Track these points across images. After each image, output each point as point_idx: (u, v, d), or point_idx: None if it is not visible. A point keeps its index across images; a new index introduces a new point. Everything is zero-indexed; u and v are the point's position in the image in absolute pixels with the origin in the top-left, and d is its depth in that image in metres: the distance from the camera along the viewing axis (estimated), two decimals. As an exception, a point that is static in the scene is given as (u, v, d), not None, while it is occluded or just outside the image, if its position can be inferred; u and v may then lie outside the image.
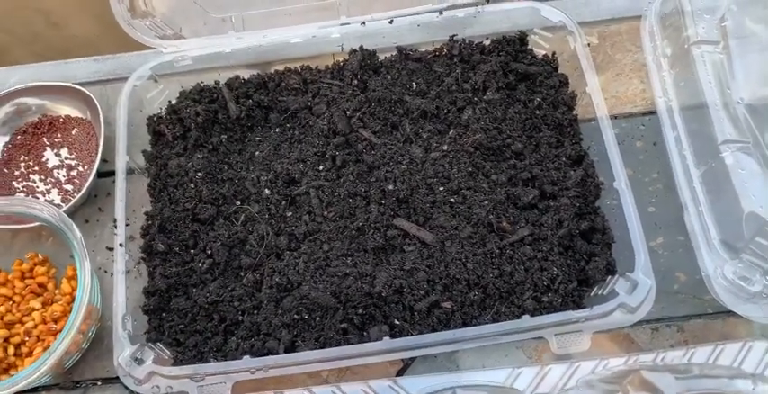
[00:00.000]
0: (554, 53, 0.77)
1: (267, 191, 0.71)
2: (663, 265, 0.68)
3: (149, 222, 0.71)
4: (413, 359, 0.66)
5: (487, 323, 0.62)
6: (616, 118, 0.77)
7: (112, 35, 0.86)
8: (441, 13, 0.76)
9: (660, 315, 0.65)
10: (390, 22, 0.76)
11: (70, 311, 0.68)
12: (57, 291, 0.71)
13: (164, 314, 0.66)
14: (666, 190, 0.72)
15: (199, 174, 0.72)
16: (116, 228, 0.67)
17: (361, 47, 0.77)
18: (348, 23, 0.77)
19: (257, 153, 0.74)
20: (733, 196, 0.60)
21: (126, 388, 0.66)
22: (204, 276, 0.67)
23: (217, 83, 0.79)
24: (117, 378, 0.67)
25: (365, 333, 0.63)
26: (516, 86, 0.76)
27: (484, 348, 0.64)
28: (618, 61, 0.81)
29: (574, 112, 0.74)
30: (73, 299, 0.69)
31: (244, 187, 0.72)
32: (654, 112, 0.77)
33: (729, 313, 0.64)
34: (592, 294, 0.64)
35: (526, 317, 0.60)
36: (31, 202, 0.68)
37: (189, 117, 0.74)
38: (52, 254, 0.74)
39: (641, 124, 0.77)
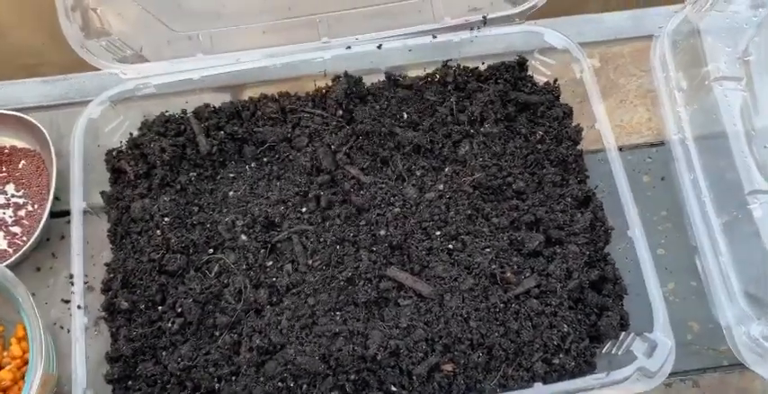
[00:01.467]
0: (555, 80, 0.71)
1: (244, 237, 0.64)
2: (675, 313, 0.63)
3: (111, 275, 0.63)
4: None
5: (493, 388, 0.56)
6: (621, 150, 0.71)
7: (62, 47, 0.77)
8: (434, 36, 0.69)
9: (674, 369, 0.61)
10: (379, 48, 0.68)
11: (21, 377, 0.60)
12: (5, 354, 0.63)
13: (129, 382, 0.59)
14: (676, 230, 0.68)
15: (166, 218, 0.64)
16: (73, 284, 0.59)
17: (345, 73, 0.70)
18: (329, 43, 0.69)
19: (231, 193, 0.67)
20: (759, 248, 0.56)
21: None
22: (174, 338, 0.60)
23: (184, 112, 0.70)
24: (76, 453, 0.60)
25: (358, 401, 0.57)
26: (516, 117, 0.70)
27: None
28: (621, 86, 0.76)
29: (579, 147, 0.68)
30: (24, 363, 0.61)
31: (217, 232, 0.64)
32: (662, 144, 0.72)
33: (745, 366, 0.60)
34: (603, 351, 0.59)
35: (538, 385, 0.55)
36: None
37: (153, 153, 0.66)
38: (-2, 309, 0.65)
39: (648, 156, 0.72)
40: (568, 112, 0.69)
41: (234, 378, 0.58)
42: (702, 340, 0.63)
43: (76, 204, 0.61)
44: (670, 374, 0.61)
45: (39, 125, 0.69)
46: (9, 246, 0.68)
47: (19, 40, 0.99)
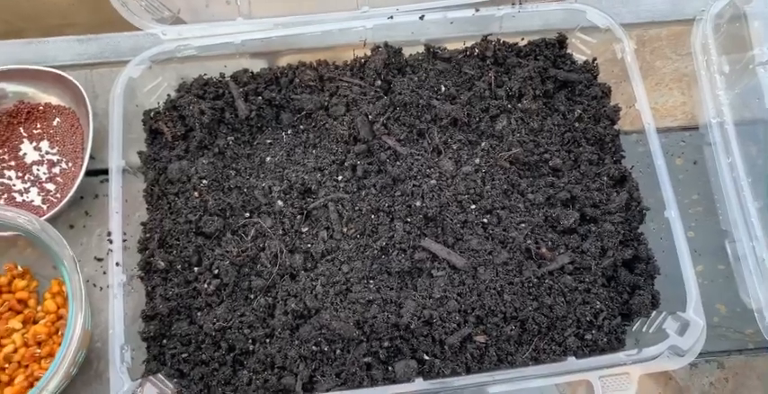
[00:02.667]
0: (594, 59, 0.71)
1: (280, 202, 0.64)
2: (702, 296, 0.63)
3: (147, 235, 0.63)
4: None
5: (525, 360, 0.57)
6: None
7: (93, 7, 0.76)
8: (477, 9, 0.69)
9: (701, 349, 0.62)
10: (421, 19, 0.68)
11: (56, 332, 0.61)
12: (39, 308, 0.63)
13: (165, 341, 0.60)
14: (707, 213, 0.68)
15: (203, 181, 0.64)
16: (111, 243, 0.59)
17: (385, 43, 0.69)
18: (371, 15, 0.69)
19: (268, 158, 0.67)
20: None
21: (119, 420, 0.60)
22: (210, 298, 0.60)
23: (222, 75, 0.70)
24: (109, 407, 0.61)
25: (390, 368, 0.58)
26: (554, 95, 0.70)
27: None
28: (658, 69, 0.76)
29: (616, 127, 0.68)
30: (59, 318, 0.62)
31: (254, 197, 0.65)
32: (695, 128, 0.72)
33: (770, 349, 0.62)
34: (634, 329, 0.60)
35: (571, 358, 0.56)
36: (8, 212, 0.59)
37: (192, 115, 0.66)
38: (32, 264, 0.66)
39: (681, 140, 0.72)
40: (607, 92, 0.69)
41: (268, 340, 0.58)
42: (729, 322, 0.64)
43: (115, 162, 0.61)
44: (698, 355, 0.63)
45: (76, 83, 0.69)
46: (43, 203, 0.68)
47: (46, 1, 0.97)
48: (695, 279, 0.57)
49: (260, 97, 0.68)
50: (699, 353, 0.62)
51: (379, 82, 0.68)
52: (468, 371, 0.57)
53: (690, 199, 0.70)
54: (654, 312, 0.60)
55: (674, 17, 0.78)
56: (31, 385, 0.55)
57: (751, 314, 0.60)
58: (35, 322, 0.62)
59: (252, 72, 0.70)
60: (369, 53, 0.70)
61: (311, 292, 0.60)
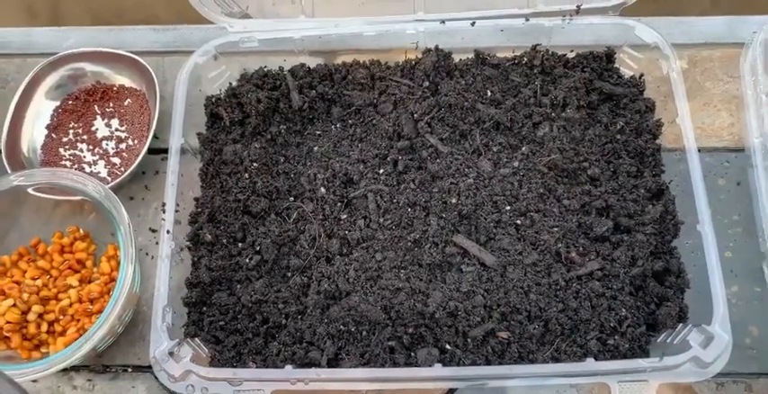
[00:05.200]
0: (641, 75, 0.72)
1: (323, 189, 0.67)
2: (735, 316, 0.63)
3: (199, 210, 0.67)
4: (457, 385, 0.63)
5: (546, 359, 0.58)
6: (699, 151, 0.72)
7: (170, 3, 0.82)
8: (527, 19, 0.71)
9: (728, 370, 0.61)
10: (473, 25, 0.71)
11: (107, 292, 0.66)
12: (95, 270, 0.68)
13: (204, 308, 0.64)
14: (746, 235, 0.68)
15: (255, 164, 0.68)
16: (164, 212, 0.64)
17: (436, 46, 0.72)
18: (424, 19, 0.72)
19: (316, 148, 0.71)
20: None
21: (156, 379, 0.64)
22: (250, 273, 0.64)
23: (281, 69, 0.75)
24: (148, 367, 0.66)
25: (413, 354, 0.60)
26: (598, 106, 0.71)
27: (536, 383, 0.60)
28: (707, 90, 0.76)
29: (657, 142, 0.69)
30: (111, 280, 0.67)
31: (299, 183, 0.68)
32: (741, 150, 0.72)
33: (800, 375, 0.60)
34: (659, 340, 0.60)
35: (590, 360, 0.56)
36: (78, 176, 0.65)
37: (250, 103, 0.70)
38: (93, 229, 0.71)
39: (726, 161, 0.72)
40: (651, 107, 0.70)
41: (300, 316, 0.62)
42: (760, 345, 0.63)
43: (176, 139, 0.66)
44: (723, 375, 0.62)
45: (149, 67, 0.74)
46: (108, 175, 0.74)
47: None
48: (724, 293, 0.57)
49: (314, 91, 0.72)
50: (727, 374, 0.62)
51: (427, 83, 0.71)
52: (488, 364, 0.58)
53: (730, 219, 0.69)
54: (680, 325, 0.60)
55: (729, 40, 0.78)
56: (81, 337, 0.60)
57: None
58: (90, 281, 0.67)
59: (308, 67, 0.74)
60: (420, 56, 0.73)
61: (344, 276, 0.62)
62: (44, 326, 0.64)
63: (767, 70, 0.65)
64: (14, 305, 0.64)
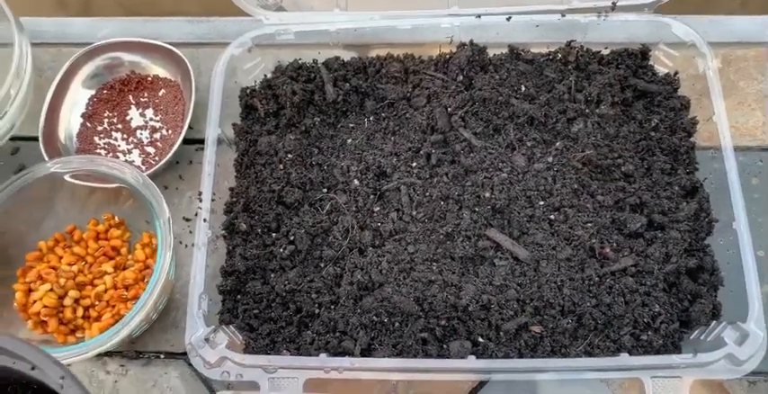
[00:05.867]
0: (676, 72, 0.72)
1: (356, 181, 0.68)
2: (767, 316, 0.64)
3: (234, 199, 0.68)
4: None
5: (578, 354, 0.58)
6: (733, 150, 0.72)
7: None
8: (563, 15, 0.71)
9: (761, 368, 0.61)
10: (508, 19, 0.71)
11: (142, 279, 0.67)
12: (129, 257, 0.69)
13: (239, 296, 0.64)
14: (780, 234, 0.68)
15: (289, 155, 0.69)
16: (201, 201, 0.64)
17: (471, 41, 0.73)
18: (459, 14, 0.73)
19: (349, 140, 0.71)
20: None
21: (189, 365, 0.65)
22: (284, 262, 0.65)
23: (315, 61, 0.75)
24: (180, 353, 0.67)
25: (445, 346, 0.60)
26: (633, 103, 0.71)
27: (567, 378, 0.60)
28: (741, 89, 0.76)
29: (692, 139, 0.69)
30: (146, 267, 0.68)
31: (332, 175, 0.69)
32: (776, 149, 0.72)
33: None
34: (691, 337, 0.60)
35: (624, 355, 0.57)
36: (116, 163, 0.66)
37: (285, 94, 0.71)
38: (128, 216, 0.72)
39: (759, 160, 0.72)
40: (686, 105, 0.70)
41: (333, 306, 0.62)
42: (792, 344, 0.63)
43: (212, 130, 0.67)
44: (756, 373, 0.62)
45: (185, 58, 0.75)
46: (143, 164, 0.75)
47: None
48: (759, 291, 0.57)
49: (348, 84, 0.73)
50: (759, 373, 0.62)
51: (461, 77, 0.72)
52: (521, 358, 0.59)
53: (763, 218, 0.69)
54: (713, 322, 0.60)
55: (763, 39, 0.78)
56: (116, 322, 0.61)
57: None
58: (125, 268, 0.68)
59: (342, 60, 0.75)
60: (454, 50, 0.74)
61: (377, 267, 0.63)
62: (80, 312, 0.65)
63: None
64: (51, 290, 0.65)
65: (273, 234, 0.66)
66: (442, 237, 0.65)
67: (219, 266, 0.66)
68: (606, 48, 0.74)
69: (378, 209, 0.67)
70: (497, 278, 0.62)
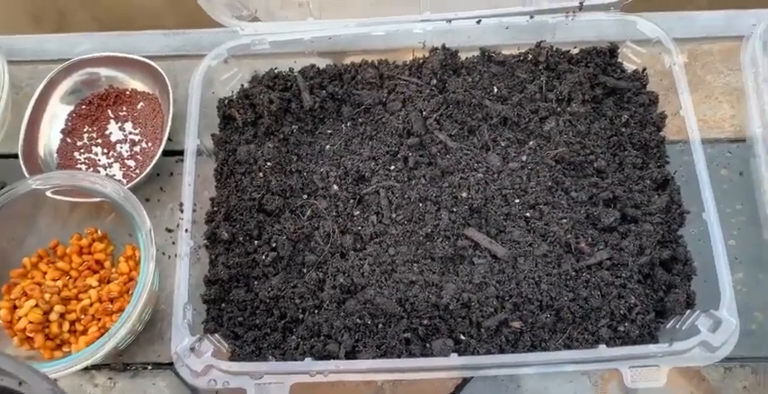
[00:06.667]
0: (644, 69, 0.74)
1: (336, 187, 0.69)
2: (740, 302, 0.64)
3: (215, 209, 0.69)
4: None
5: (558, 347, 0.60)
6: (702, 142, 0.73)
7: (177, 9, 0.83)
8: (531, 16, 0.73)
9: (735, 354, 0.63)
10: (478, 23, 0.72)
11: (126, 291, 0.67)
12: (114, 270, 0.70)
13: (223, 305, 0.65)
14: (749, 224, 0.70)
15: (268, 163, 0.70)
16: (182, 212, 0.65)
17: (443, 45, 0.74)
18: (430, 19, 0.74)
19: (328, 147, 0.72)
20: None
21: (177, 375, 0.66)
22: (267, 269, 0.66)
23: (291, 70, 0.76)
24: (168, 364, 0.67)
25: (428, 345, 0.61)
26: (603, 100, 0.73)
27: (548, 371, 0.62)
28: (708, 83, 0.78)
29: (661, 134, 0.70)
30: (130, 280, 0.68)
31: (312, 181, 0.70)
32: (743, 140, 0.74)
33: (807, 359, 0.62)
34: (667, 327, 0.62)
35: (602, 347, 0.58)
36: (97, 178, 0.66)
37: (262, 103, 0.72)
38: (110, 230, 0.73)
39: (728, 151, 0.74)
40: (654, 100, 0.72)
41: (317, 311, 0.63)
42: (766, 330, 0.65)
43: (191, 141, 0.68)
44: (730, 359, 0.64)
45: (162, 71, 0.76)
46: (124, 177, 0.75)
47: (138, 0, 1.07)
48: (730, 279, 0.58)
49: (324, 91, 0.74)
50: (734, 358, 0.64)
51: (434, 81, 0.73)
52: (502, 353, 0.60)
53: (733, 208, 0.71)
54: (688, 311, 0.61)
55: (728, 33, 0.80)
56: (102, 335, 0.61)
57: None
58: (109, 281, 0.68)
59: (318, 68, 0.76)
60: (427, 55, 0.75)
61: (359, 270, 0.64)
62: (66, 326, 0.66)
63: (767, 62, 0.67)
64: (36, 305, 0.65)
65: (255, 241, 0.67)
66: (421, 238, 0.66)
67: (203, 276, 0.66)
68: (575, 47, 0.75)
69: (358, 213, 0.68)
70: (477, 276, 0.63)
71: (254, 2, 0.77)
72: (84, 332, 0.65)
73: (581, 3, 0.73)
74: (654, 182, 0.67)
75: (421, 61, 0.75)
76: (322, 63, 0.77)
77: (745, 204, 0.71)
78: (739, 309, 0.63)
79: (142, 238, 0.64)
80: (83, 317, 0.66)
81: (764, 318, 0.66)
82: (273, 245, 0.66)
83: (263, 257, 0.66)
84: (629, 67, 0.74)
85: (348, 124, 0.74)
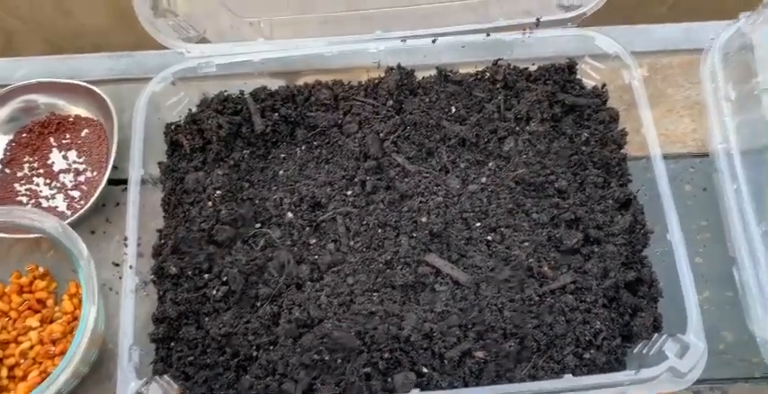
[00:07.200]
0: (604, 85, 0.72)
1: (290, 214, 0.66)
2: (708, 322, 0.63)
3: (162, 241, 0.65)
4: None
5: (523, 378, 0.57)
6: (664, 158, 0.72)
7: (127, 28, 0.80)
8: (488, 34, 0.71)
9: (704, 376, 0.61)
10: (434, 42, 0.71)
11: (70, 332, 0.64)
12: (57, 309, 0.66)
13: (172, 343, 0.62)
14: (715, 240, 0.68)
15: (218, 191, 0.67)
16: (126, 246, 0.62)
17: (398, 65, 0.72)
18: (384, 37, 0.72)
19: (281, 172, 0.69)
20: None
21: (125, 420, 0.62)
22: (218, 304, 0.62)
23: (241, 92, 0.73)
24: (116, 407, 0.63)
25: (389, 379, 0.58)
26: (562, 118, 0.71)
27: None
28: (669, 96, 0.77)
29: (623, 151, 0.69)
30: (74, 319, 0.64)
31: (265, 208, 0.67)
32: (705, 155, 0.73)
33: (776, 379, 0.61)
34: (635, 351, 0.60)
35: (568, 376, 0.56)
36: (35, 214, 0.62)
37: (210, 129, 0.69)
38: (52, 266, 0.69)
39: (690, 166, 0.73)
40: (615, 117, 0.71)
41: (272, 347, 0.60)
42: (735, 350, 0.64)
43: (135, 170, 0.64)
44: (700, 381, 0.61)
45: (105, 96, 0.73)
46: (68, 209, 0.71)
47: (86, 20, 1.03)
48: (696, 302, 0.57)
49: (276, 114, 0.71)
50: (703, 380, 0.62)
51: (391, 102, 0.71)
52: (466, 385, 0.57)
53: (698, 225, 0.70)
54: (655, 335, 0.60)
55: (687, 46, 0.79)
56: (43, 381, 0.57)
57: (757, 343, 0.60)
58: (52, 321, 0.64)
59: (270, 89, 0.73)
60: (383, 75, 0.73)
61: (315, 302, 0.61)
62: (4, 372, 0.61)
63: (726, 77, 0.66)
64: (-29, 351, 0.61)
65: (205, 275, 0.64)
66: (381, 265, 0.63)
67: (151, 313, 0.63)
68: (533, 64, 0.74)
69: (314, 241, 0.65)
70: (438, 304, 0.60)
71: (203, 22, 0.75)
72: (24, 378, 0.61)
73: (538, 19, 0.71)
74: (616, 201, 0.66)
75: (376, 81, 0.73)
76: (274, 84, 0.74)
77: (710, 220, 0.70)
78: (707, 330, 0.62)
79: (83, 276, 0.60)
80: (22, 361, 0.62)
81: (733, 338, 0.64)
82: (224, 278, 0.63)
83: (214, 292, 0.62)
84: (589, 83, 0.73)
85: (302, 148, 0.71)
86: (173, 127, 0.71)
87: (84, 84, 0.74)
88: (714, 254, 0.68)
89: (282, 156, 0.71)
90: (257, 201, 0.67)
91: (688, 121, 0.75)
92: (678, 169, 0.73)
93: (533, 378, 0.57)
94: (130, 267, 0.61)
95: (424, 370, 0.58)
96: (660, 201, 0.62)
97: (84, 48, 0.89)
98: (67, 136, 0.75)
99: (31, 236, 0.65)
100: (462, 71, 0.74)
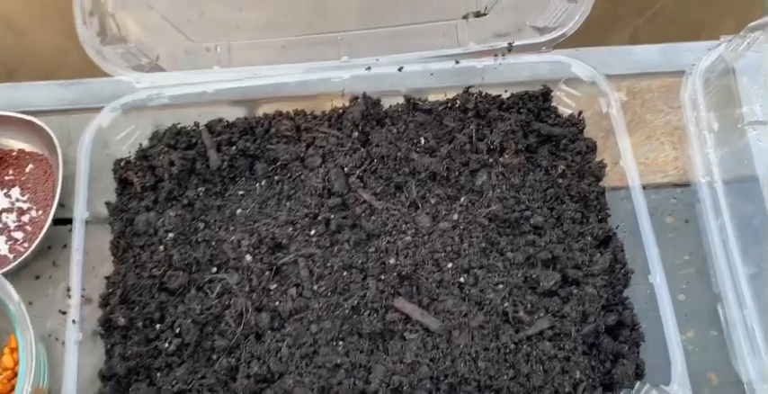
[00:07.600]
0: (580, 112, 0.69)
1: (249, 257, 0.62)
2: (692, 363, 0.60)
3: (110, 290, 0.61)
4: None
5: (499, 435, 0.53)
6: (645, 188, 0.68)
7: (79, 49, 0.76)
8: (457, 61, 0.67)
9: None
10: (400, 70, 0.67)
11: (11, 389, 0.58)
12: (-5, 364, 0.61)
13: (120, 403, 0.57)
14: (699, 276, 0.65)
15: (170, 234, 0.62)
16: (70, 297, 0.57)
17: (364, 94, 0.68)
18: (350, 62, 0.68)
19: (239, 211, 0.65)
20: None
21: None
22: (171, 359, 0.58)
23: (196, 124, 0.69)
24: None
25: (355, 439, 0.54)
26: (537, 149, 0.68)
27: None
28: (648, 122, 0.74)
29: (601, 184, 0.66)
30: (15, 375, 0.59)
31: (222, 251, 0.62)
32: (687, 185, 0.70)
33: (765, 425, 0.57)
34: (617, 402, 0.56)
35: (546, 435, 0.52)
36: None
37: (162, 165, 0.64)
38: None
39: (672, 197, 0.70)
40: (592, 147, 0.67)
41: (228, 406, 0.56)
42: (721, 393, 0.60)
43: (79, 214, 0.60)
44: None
45: (48, 129, 0.68)
46: (10, 252, 0.66)
47: (37, 43, 0.98)
48: (681, 351, 0.54)
49: (234, 147, 0.67)
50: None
51: (356, 133, 0.67)
52: (438, 445, 0.54)
53: (681, 259, 0.67)
54: (638, 383, 0.56)
55: (666, 68, 0.76)
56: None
57: (744, 385, 0.57)
58: (-10, 379, 0.59)
59: (227, 121, 0.69)
60: (347, 104, 0.69)
61: (276, 355, 0.57)
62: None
63: (708, 105, 0.63)
64: None
65: (157, 325, 0.59)
66: (347, 311, 0.59)
67: (99, 369, 0.58)
68: (506, 91, 0.70)
69: (275, 286, 0.61)
70: (408, 354, 0.56)
71: (156, 48, 0.70)
72: (-43, 444, 0.56)
73: (510, 44, 0.68)
74: (595, 238, 0.62)
75: (341, 111, 0.69)
76: (231, 113, 0.70)
77: (694, 254, 0.66)
78: (691, 374, 0.58)
79: (20, 331, 0.55)
80: (-44, 425, 0.57)
81: (718, 381, 0.61)
82: (177, 329, 0.58)
83: (166, 345, 0.58)
84: (565, 111, 0.70)
85: (262, 183, 0.67)
86: (122, 163, 0.66)
87: (24, 116, 0.69)
88: (698, 290, 0.65)
89: (240, 192, 0.66)
90: (213, 243, 0.63)
91: (669, 149, 0.72)
92: (659, 200, 0.69)
93: (510, 435, 0.54)
94: (74, 322, 0.56)
95: (393, 428, 0.54)
96: (641, 237, 0.58)
97: (34, 73, 0.84)
98: (10, 172, 0.70)
99: (-34, 285, 0.60)
100: (432, 97, 0.70)
